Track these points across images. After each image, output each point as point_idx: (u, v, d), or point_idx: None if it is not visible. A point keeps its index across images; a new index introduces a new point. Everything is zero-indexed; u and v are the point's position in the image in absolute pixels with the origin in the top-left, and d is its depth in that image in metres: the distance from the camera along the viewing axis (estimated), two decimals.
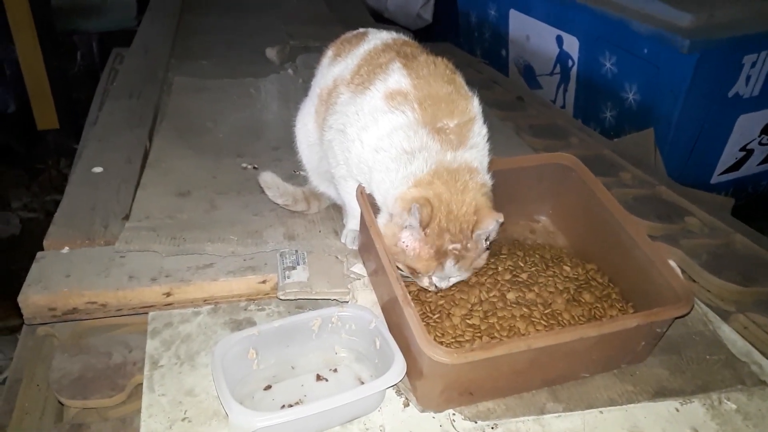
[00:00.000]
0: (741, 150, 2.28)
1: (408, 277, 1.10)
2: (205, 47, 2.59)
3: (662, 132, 2.13)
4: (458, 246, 1.06)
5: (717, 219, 1.60)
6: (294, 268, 1.25)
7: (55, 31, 3.59)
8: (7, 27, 3.21)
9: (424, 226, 1.03)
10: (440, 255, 1.06)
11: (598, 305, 1.14)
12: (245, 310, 1.22)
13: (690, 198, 1.71)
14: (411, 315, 0.95)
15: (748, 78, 2.09)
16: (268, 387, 1.04)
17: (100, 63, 3.62)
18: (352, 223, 1.30)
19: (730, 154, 2.27)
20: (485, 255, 1.13)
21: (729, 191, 2.35)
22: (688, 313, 1.05)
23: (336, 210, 1.46)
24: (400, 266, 1.09)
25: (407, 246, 1.07)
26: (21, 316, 1.18)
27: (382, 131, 1.10)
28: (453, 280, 1.12)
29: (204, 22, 2.93)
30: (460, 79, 1.19)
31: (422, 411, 1.00)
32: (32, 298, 1.16)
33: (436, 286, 1.11)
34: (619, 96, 2.30)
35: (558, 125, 2.17)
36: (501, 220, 1.06)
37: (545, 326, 1.07)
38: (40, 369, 1.16)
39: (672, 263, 1.19)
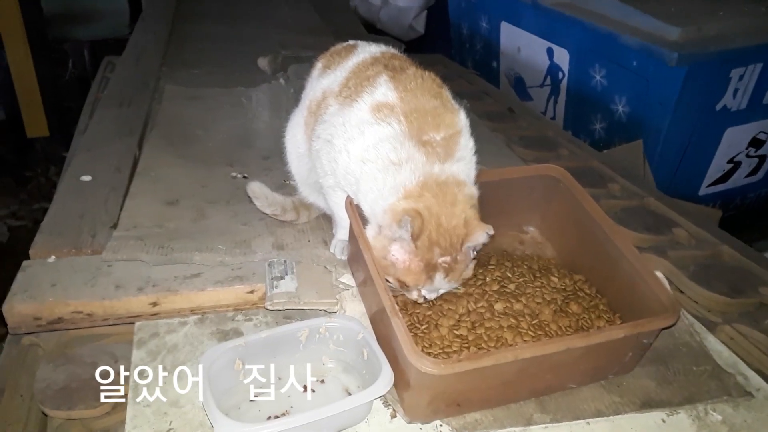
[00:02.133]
0: (729, 162, 2.30)
1: (397, 288, 1.11)
2: (196, 56, 2.59)
3: (651, 144, 2.15)
4: (448, 259, 1.06)
5: (705, 231, 1.61)
6: (282, 278, 1.24)
7: (46, 38, 3.58)
8: None
9: (415, 238, 1.03)
10: (430, 268, 1.06)
11: (586, 316, 1.14)
12: (233, 320, 1.21)
13: (678, 210, 1.71)
14: (398, 326, 0.94)
15: (735, 91, 2.11)
16: (255, 398, 1.04)
17: (91, 71, 3.61)
18: (341, 233, 1.30)
19: (717, 166, 2.29)
20: (472, 265, 1.14)
21: (717, 203, 2.37)
22: (674, 324, 1.05)
23: (325, 220, 1.46)
24: (390, 279, 1.09)
25: (397, 259, 1.07)
26: (6, 325, 1.17)
27: (368, 142, 1.10)
28: (441, 291, 1.12)
29: (196, 31, 2.93)
30: (447, 93, 1.19)
31: (409, 422, 1.00)
32: (17, 307, 1.15)
33: (425, 298, 1.11)
34: (608, 108, 2.32)
35: (548, 137, 2.18)
36: (491, 232, 1.07)
37: (533, 337, 1.07)
38: (24, 379, 1.15)
39: (659, 274, 1.20)
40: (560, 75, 2.55)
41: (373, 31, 3.61)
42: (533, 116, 2.43)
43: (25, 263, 1.27)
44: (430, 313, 1.12)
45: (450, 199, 1.06)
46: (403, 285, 1.09)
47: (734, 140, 2.23)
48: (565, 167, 1.37)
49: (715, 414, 1.06)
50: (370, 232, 1.11)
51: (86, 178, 1.60)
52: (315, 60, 1.43)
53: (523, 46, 2.77)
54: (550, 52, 2.58)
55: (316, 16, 3.24)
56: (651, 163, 2.14)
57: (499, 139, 2.05)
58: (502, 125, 2.22)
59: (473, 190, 1.11)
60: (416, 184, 1.06)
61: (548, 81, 2.64)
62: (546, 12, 2.55)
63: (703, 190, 2.34)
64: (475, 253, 1.12)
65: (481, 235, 1.06)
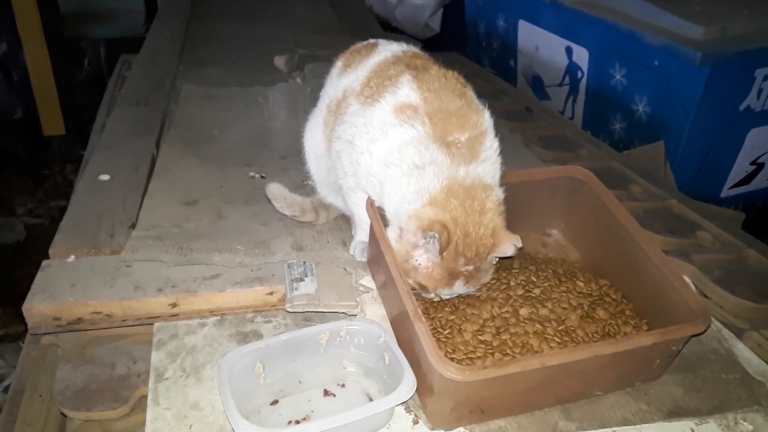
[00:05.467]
0: (752, 164, 2.26)
1: (414, 288, 1.09)
2: (213, 55, 2.59)
3: (672, 145, 2.11)
4: (471, 268, 1.06)
5: (729, 234, 1.58)
6: (302, 279, 1.23)
7: (63, 37, 3.60)
8: (15, 33, 3.22)
9: (442, 252, 1.03)
10: (452, 276, 1.06)
11: (612, 322, 1.11)
12: (252, 322, 1.20)
13: (701, 212, 1.68)
14: (422, 330, 0.93)
15: (759, 91, 2.07)
16: (275, 402, 1.02)
17: (107, 69, 3.62)
18: (361, 234, 1.29)
19: (740, 167, 2.25)
20: (492, 269, 1.13)
21: (739, 205, 2.32)
22: (705, 330, 1.03)
23: (345, 221, 1.44)
24: (409, 280, 1.07)
25: (419, 264, 1.06)
26: (24, 322, 1.17)
27: (392, 145, 1.08)
28: (458, 293, 1.12)
29: (212, 30, 2.93)
30: (471, 93, 1.17)
31: (432, 429, 0.98)
32: (37, 307, 1.15)
33: (440, 298, 1.11)
34: (628, 108, 2.28)
35: (567, 137, 2.15)
36: (519, 245, 1.06)
37: (559, 343, 1.05)
38: (43, 379, 1.15)
39: (686, 279, 1.17)
40: (579, 74, 2.52)
41: (388, 29, 3.59)
42: (551, 116, 2.40)
43: (44, 263, 1.27)
44: (453, 317, 1.10)
45: (478, 207, 1.04)
46: (423, 288, 1.09)
47: (758, 141, 2.19)
48: (584, 168, 1.35)
49: (745, 423, 1.03)
50: (392, 234, 1.10)
51: (104, 177, 1.60)
52: (334, 59, 1.41)
53: (541, 45, 2.73)
54: (569, 51, 2.55)
55: (332, 15, 3.23)
56: (672, 164, 2.10)
57: (517, 139, 2.03)
58: (520, 125, 2.19)
59: (500, 194, 1.10)
60: (441, 189, 1.04)
61: (567, 80, 2.61)
62: (565, 10, 2.51)
63: (725, 192, 2.30)
64: (497, 259, 1.10)
65: (508, 247, 1.06)
